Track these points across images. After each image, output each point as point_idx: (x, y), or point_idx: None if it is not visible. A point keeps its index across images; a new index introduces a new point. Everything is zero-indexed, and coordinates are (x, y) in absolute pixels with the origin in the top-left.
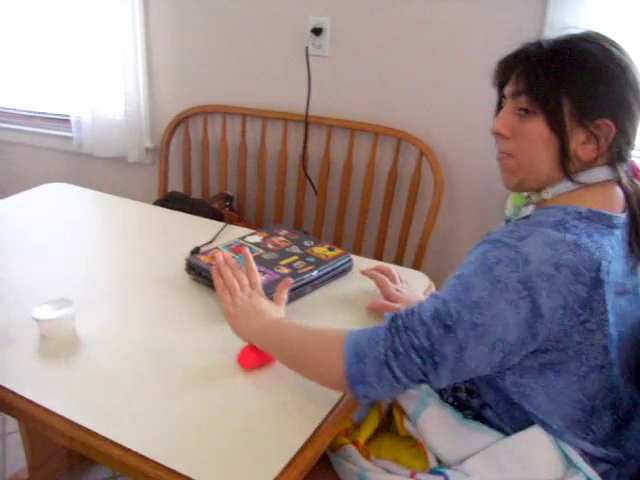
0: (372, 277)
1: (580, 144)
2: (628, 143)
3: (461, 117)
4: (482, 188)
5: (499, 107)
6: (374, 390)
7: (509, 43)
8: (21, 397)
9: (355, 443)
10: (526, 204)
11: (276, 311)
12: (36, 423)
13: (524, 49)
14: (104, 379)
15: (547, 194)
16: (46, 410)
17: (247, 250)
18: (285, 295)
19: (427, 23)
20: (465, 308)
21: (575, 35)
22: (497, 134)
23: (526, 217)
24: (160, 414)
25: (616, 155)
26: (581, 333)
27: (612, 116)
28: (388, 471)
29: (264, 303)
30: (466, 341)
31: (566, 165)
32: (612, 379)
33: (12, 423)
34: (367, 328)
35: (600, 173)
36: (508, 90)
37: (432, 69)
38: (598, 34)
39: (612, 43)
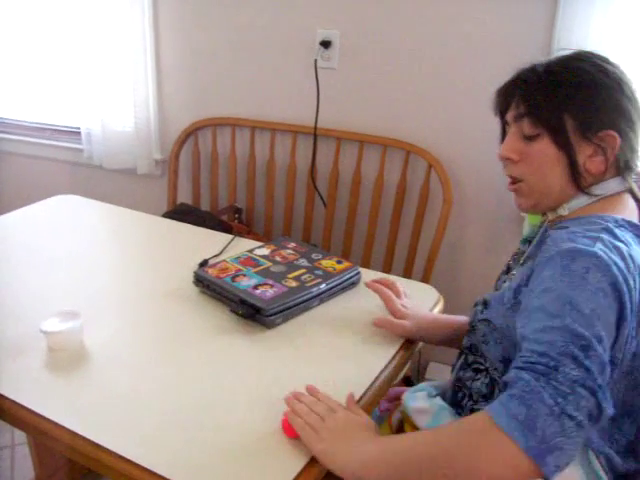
0: (376, 291)
1: (588, 157)
2: (633, 151)
3: (470, 129)
4: (491, 200)
5: (503, 135)
6: (564, 452)
7: (518, 55)
8: (28, 409)
9: None
10: (542, 222)
11: (366, 424)
12: (42, 436)
13: (519, 75)
14: (112, 392)
15: (563, 210)
16: (52, 422)
17: (314, 387)
18: (355, 404)
19: (436, 36)
20: (584, 324)
21: (567, 55)
22: (506, 159)
23: (562, 227)
24: (166, 428)
25: (624, 164)
26: (629, 341)
27: (614, 126)
28: None
29: (348, 417)
30: (603, 356)
31: (578, 180)
32: (631, 386)
33: (20, 435)
34: (502, 397)
35: (614, 184)
36: (510, 115)
37: (441, 82)
38: (589, 52)
39: (604, 59)
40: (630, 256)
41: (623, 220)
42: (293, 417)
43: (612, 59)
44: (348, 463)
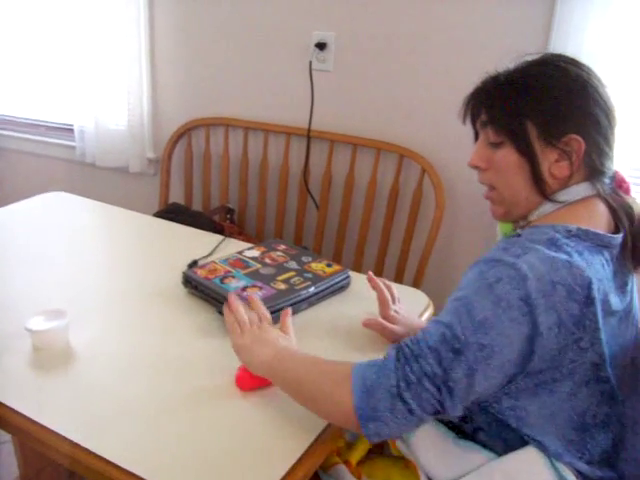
0: (375, 289)
1: (553, 163)
2: (602, 155)
3: (463, 134)
4: (483, 206)
5: (477, 142)
6: (386, 427)
7: (513, 60)
8: (10, 409)
9: (347, 463)
10: (514, 230)
11: (285, 339)
12: (25, 436)
13: (483, 82)
14: (97, 393)
15: (532, 217)
16: (34, 422)
17: (254, 295)
18: (289, 322)
19: (431, 39)
20: (470, 330)
21: (531, 60)
22: (474, 167)
23: (517, 235)
24: (152, 430)
25: (591, 168)
26: (574, 351)
27: (579, 131)
28: None
29: (273, 332)
30: (476, 363)
31: (541, 187)
32: (603, 396)
33: (5, 432)
34: (373, 360)
35: (580, 189)
36: (478, 123)
37: (435, 86)
38: (554, 55)
39: (569, 61)
40: (571, 267)
41: (579, 229)
42: (228, 313)
43: (581, 61)
44: (253, 360)
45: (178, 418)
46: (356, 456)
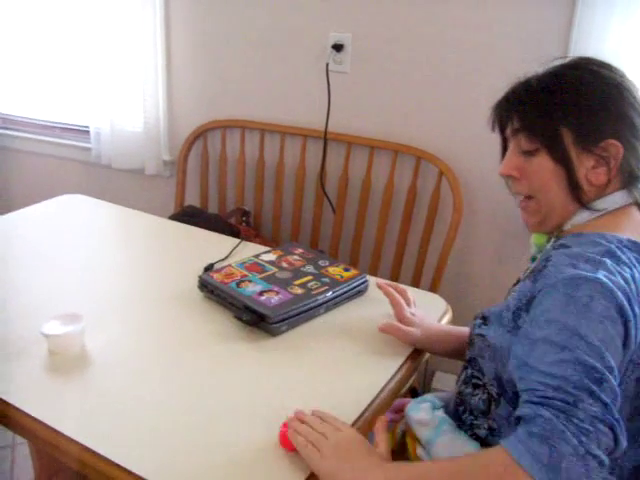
0: (387, 294)
1: (590, 169)
2: (639, 160)
3: (482, 137)
4: (502, 209)
5: (503, 151)
6: None
7: (534, 62)
8: (25, 413)
9: None
10: (548, 241)
11: (374, 452)
12: (39, 440)
13: (514, 89)
14: (112, 398)
15: (567, 226)
16: (49, 427)
17: (323, 412)
18: (385, 435)
19: (449, 41)
20: (595, 357)
21: (562, 65)
22: (507, 176)
23: (562, 245)
24: (166, 437)
25: (628, 175)
26: (631, 366)
27: (616, 135)
28: None
29: (356, 439)
30: (616, 386)
31: (578, 194)
32: (636, 412)
33: None
34: (521, 433)
35: (618, 198)
36: (508, 131)
37: (453, 88)
38: (584, 58)
39: (601, 65)
40: (633, 279)
41: (628, 241)
42: (294, 434)
43: (613, 64)
44: None
45: (195, 427)
46: None
